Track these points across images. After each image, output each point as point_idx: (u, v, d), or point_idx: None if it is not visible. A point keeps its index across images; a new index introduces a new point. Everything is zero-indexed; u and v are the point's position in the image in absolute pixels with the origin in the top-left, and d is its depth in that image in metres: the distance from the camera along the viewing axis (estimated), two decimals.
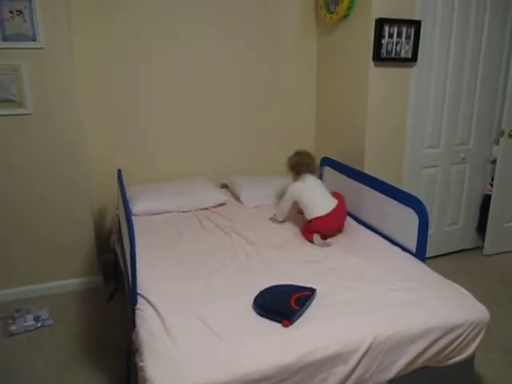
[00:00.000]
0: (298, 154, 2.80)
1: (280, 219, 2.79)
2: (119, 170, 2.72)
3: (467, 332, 1.85)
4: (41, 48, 2.62)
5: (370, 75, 2.94)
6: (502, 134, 3.33)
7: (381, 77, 2.96)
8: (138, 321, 1.81)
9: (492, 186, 3.45)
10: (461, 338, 1.84)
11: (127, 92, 3.15)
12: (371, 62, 2.91)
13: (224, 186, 3.43)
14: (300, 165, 2.72)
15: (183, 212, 2.94)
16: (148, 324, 1.76)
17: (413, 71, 3.02)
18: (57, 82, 2.70)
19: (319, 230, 2.54)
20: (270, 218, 2.85)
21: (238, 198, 3.17)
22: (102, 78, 3.06)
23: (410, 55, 2.95)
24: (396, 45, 2.90)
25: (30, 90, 2.66)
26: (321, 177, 3.34)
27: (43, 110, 2.72)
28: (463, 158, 3.38)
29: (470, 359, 1.98)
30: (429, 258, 2.39)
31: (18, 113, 2.67)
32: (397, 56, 2.93)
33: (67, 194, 2.89)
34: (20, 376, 2.25)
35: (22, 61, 2.60)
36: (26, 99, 2.67)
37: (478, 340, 1.90)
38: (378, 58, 2.88)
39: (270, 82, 3.49)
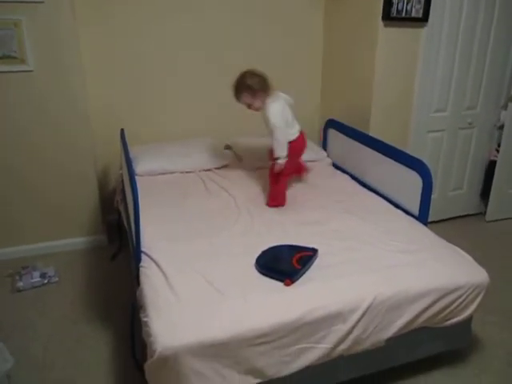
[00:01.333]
0: (251, 72, 2.44)
1: (285, 153, 2.42)
2: (122, 130, 2.70)
3: (466, 294, 1.88)
4: (41, 2, 2.54)
5: (379, 36, 2.86)
6: (511, 99, 3.27)
7: (390, 37, 2.88)
8: (142, 278, 1.84)
9: (498, 151, 3.42)
10: (460, 300, 1.87)
11: (132, 50, 3.08)
12: (380, 22, 2.82)
13: (227, 147, 3.40)
14: (265, 81, 2.42)
15: (186, 173, 2.94)
16: (152, 281, 1.79)
17: (423, 32, 2.93)
18: (58, 38, 2.64)
19: (297, 153, 2.58)
20: (273, 163, 2.47)
21: (241, 160, 3.15)
22: (106, 36, 2.99)
23: (420, 15, 2.86)
24: (407, 3, 2.80)
25: (31, 46, 2.60)
26: (325, 139, 3.32)
27: (45, 67, 2.67)
28: (470, 123, 3.33)
29: (468, 321, 2.02)
30: (431, 223, 2.40)
31: (20, 69, 2.63)
32: (407, 16, 2.84)
33: (71, 153, 2.88)
34: (27, 329, 2.31)
35: (22, 15, 2.53)
36: (28, 56, 2.61)
37: (477, 302, 1.93)
38: (388, 17, 2.79)
39: (276, 42, 3.40)
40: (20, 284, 2.62)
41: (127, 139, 2.57)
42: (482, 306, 1.97)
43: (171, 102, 3.29)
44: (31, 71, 2.65)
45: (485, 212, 3.58)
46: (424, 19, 2.88)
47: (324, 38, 3.52)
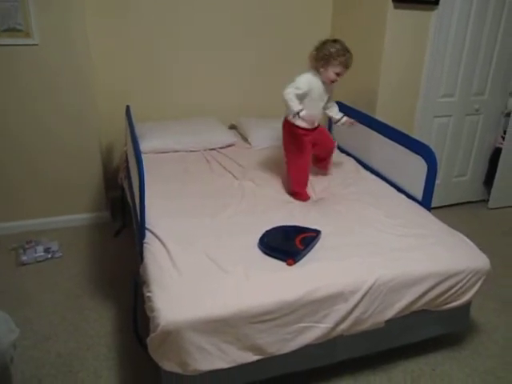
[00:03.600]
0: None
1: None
2: (127, 106, 2.69)
3: (467, 279, 1.89)
4: None
5: (388, 17, 2.82)
6: None
7: (400, 19, 2.84)
8: (146, 254, 1.86)
9: (504, 139, 3.40)
10: (460, 284, 1.89)
11: (139, 27, 3.05)
12: (391, 4, 2.78)
13: (233, 126, 3.40)
14: None
15: (191, 151, 2.94)
16: (156, 257, 1.81)
17: (433, 15, 2.89)
18: (64, 11, 2.61)
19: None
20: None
21: (246, 140, 3.15)
22: (114, 11, 2.95)
23: None
24: None
25: (36, 20, 2.57)
26: (330, 122, 3.29)
27: (50, 41, 2.65)
28: (477, 110, 3.30)
29: (467, 305, 2.04)
30: (433, 208, 2.40)
31: (25, 43, 2.60)
32: None
33: (76, 129, 2.87)
34: (30, 302, 2.34)
35: None
36: (33, 29, 2.59)
37: (476, 287, 1.95)
38: None
39: (284, 20, 3.36)
40: (24, 258, 2.64)
41: (132, 116, 2.55)
42: (482, 291, 1.99)
43: (177, 80, 3.26)
44: (36, 45, 2.63)
45: (487, 199, 3.58)
46: (435, 2, 2.84)
47: (332, 19, 3.47)
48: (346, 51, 2.33)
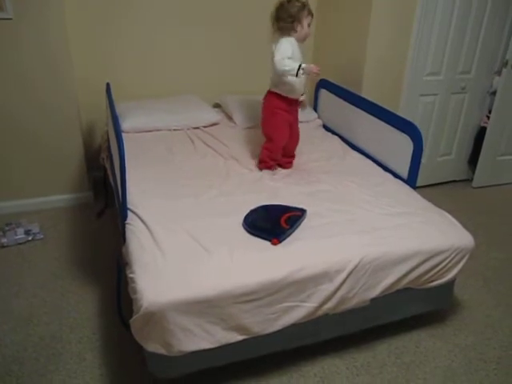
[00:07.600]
0: None
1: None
2: (108, 84, 2.61)
3: (451, 257, 1.90)
4: None
5: None
6: (505, 64, 3.22)
7: None
8: (128, 235, 1.82)
9: (489, 118, 3.40)
10: (444, 263, 1.90)
11: (118, 2, 2.93)
12: None
13: (217, 105, 3.34)
14: None
15: (174, 130, 2.88)
16: (138, 238, 1.77)
17: None
18: None
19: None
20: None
21: (230, 118, 3.10)
22: None
23: None
24: None
25: None
26: (316, 99, 3.26)
27: (25, 15, 2.53)
28: (463, 88, 3.29)
29: (451, 283, 2.06)
30: (418, 187, 2.40)
31: None
32: None
33: (54, 106, 2.78)
34: (11, 285, 2.30)
35: None
36: (6, 2, 2.47)
37: (460, 265, 1.96)
38: None
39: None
40: (4, 240, 2.58)
41: (113, 94, 2.48)
42: (465, 269, 2.00)
43: (161, 56, 3.17)
44: (10, 19, 2.51)
45: (472, 178, 3.60)
46: None
47: None
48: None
